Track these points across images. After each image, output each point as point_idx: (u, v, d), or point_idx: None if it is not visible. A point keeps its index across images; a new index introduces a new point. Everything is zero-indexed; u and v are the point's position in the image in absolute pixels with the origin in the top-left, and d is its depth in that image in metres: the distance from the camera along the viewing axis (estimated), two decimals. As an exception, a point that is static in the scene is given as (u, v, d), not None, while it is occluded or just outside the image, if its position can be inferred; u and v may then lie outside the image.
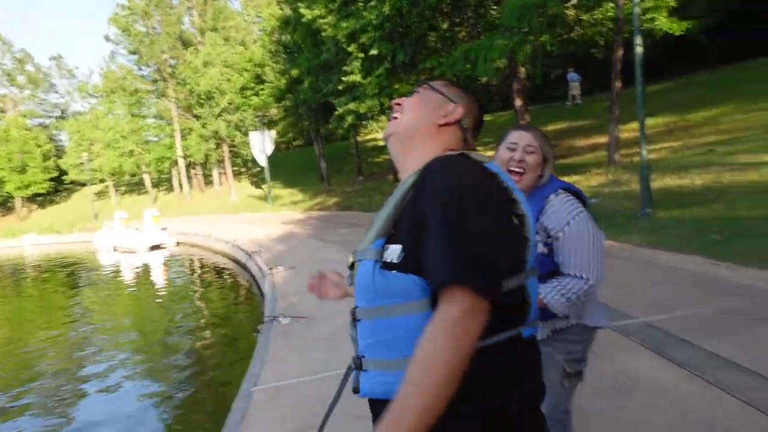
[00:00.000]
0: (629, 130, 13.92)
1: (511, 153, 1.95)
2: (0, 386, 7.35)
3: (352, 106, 16.80)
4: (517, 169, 1.92)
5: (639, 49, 8.26)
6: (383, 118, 24.74)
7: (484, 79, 20.58)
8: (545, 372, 1.71)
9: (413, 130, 1.25)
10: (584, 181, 12.50)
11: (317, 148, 29.13)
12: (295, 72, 22.19)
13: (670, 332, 4.15)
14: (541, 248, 1.89)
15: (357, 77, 15.55)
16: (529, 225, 1.12)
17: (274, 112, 30.53)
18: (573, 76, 24.10)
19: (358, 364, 1.14)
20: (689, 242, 6.94)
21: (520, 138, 1.97)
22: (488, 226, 1.00)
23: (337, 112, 18.63)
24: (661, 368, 3.59)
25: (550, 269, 1.89)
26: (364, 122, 22.75)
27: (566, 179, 9.65)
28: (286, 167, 36.59)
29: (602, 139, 13.86)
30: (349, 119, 17.87)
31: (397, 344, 1.04)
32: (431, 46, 15.54)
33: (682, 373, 3.46)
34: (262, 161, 27.05)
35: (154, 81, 38.32)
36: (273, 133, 28.41)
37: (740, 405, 2.96)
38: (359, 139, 42.62)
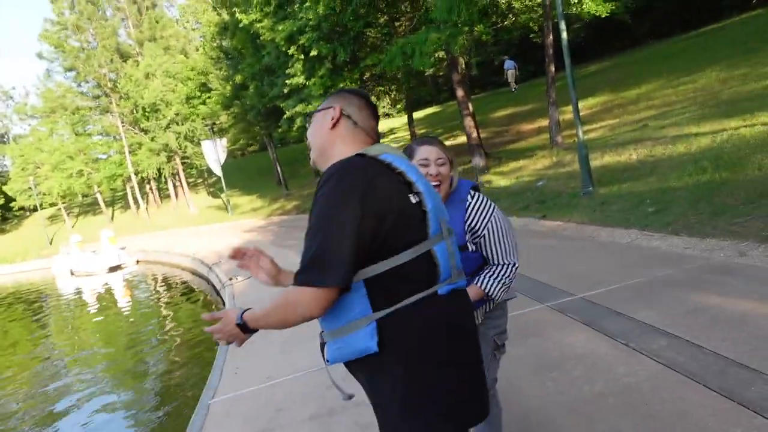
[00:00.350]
0: (570, 112, 14.40)
1: (426, 168, 2.07)
2: None
3: (299, 108, 16.76)
4: (434, 183, 2.06)
5: (564, 34, 8.57)
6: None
7: (429, 71, 20.81)
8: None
9: (321, 148, 1.49)
10: (531, 165, 12.90)
11: (271, 152, 28.89)
12: (239, 78, 21.94)
13: (604, 305, 4.40)
14: (470, 247, 2.08)
15: (300, 79, 15.51)
16: (427, 199, 1.33)
17: (224, 119, 30.07)
18: (508, 64, 24.66)
19: (321, 340, 1.43)
20: (627, 216, 7.29)
21: (428, 153, 2.09)
22: (339, 230, 1.23)
23: (285, 116, 18.53)
24: (592, 340, 3.82)
25: (480, 263, 2.11)
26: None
27: (514, 164, 10.06)
28: (243, 174, 36.15)
29: (546, 123, 14.31)
30: (298, 121, 17.85)
31: (336, 317, 1.31)
32: (372, 42, 15.64)
33: (610, 343, 3.70)
34: (217, 170, 26.67)
35: (96, 97, 37.08)
36: (225, 141, 28.05)
37: (659, 367, 3.20)
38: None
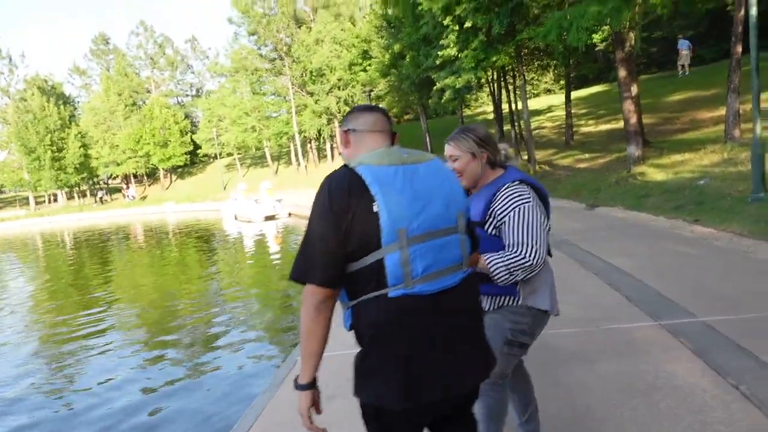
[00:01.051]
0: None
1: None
2: (148, 326, 8.71)
3: (449, 81, 16.57)
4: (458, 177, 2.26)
5: (753, 9, 7.26)
6: (486, 90, 24.03)
7: (600, 46, 19.16)
8: (491, 336, 2.09)
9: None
10: (696, 159, 11.35)
11: (423, 122, 29.21)
12: (397, 47, 22.30)
13: (728, 336, 3.80)
14: (491, 230, 2.17)
15: (453, 51, 15.25)
16: (383, 211, 1.44)
17: (381, 87, 31.04)
18: (683, 44, 21.73)
19: None
20: (802, 233, 6.16)
21: (446, 151, 2.30)
22: (318, 236, 1.48)
23: (435, 87, 18.48)
24: (696, 373, 3.33)
25: (499, 249, 2.16)
26: (468, 95, 22.21)
27: (676, 157, 9.15)
28: (395, 141, 37.05)
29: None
30: (448, 94, 17.66)
31: (341, 297, 1.58)
32: (532, 15, 14.73)
33: (717, 381, 3.20)
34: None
35: (272, 60, 40.53)
36: (380, 107, 28.92)
37: (767, 422, 2.71)
38: (469, 112, 41.89)
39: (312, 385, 1.59)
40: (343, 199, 1.46)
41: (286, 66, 38.84)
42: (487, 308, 2.24)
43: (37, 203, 58.75)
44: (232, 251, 17.32)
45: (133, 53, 57.64)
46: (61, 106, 53.76)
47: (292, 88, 39.07)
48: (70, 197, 58.98)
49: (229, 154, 51.45)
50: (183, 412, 5.28)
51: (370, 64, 29.00)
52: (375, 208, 1.44)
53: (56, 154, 51.57)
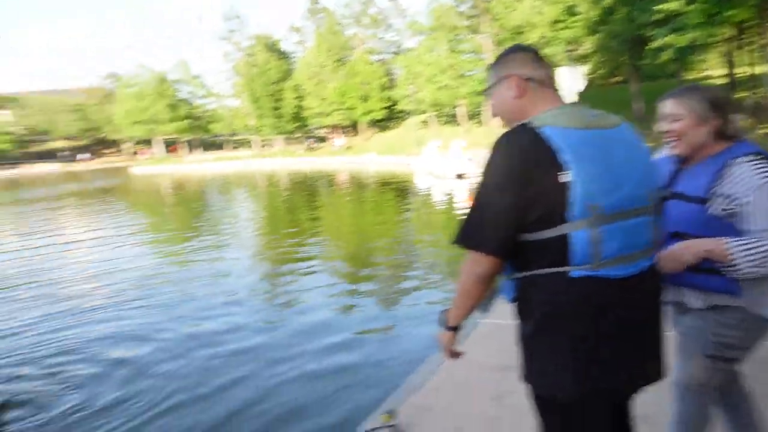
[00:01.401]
0: None
1: (662, 124, 1.98)
2: (346, 265, 10.10)
3: (669, 39, 14.56)
4: (668, 140, 1.96)
5: None
6: (715, 50, 20.70)
7: None
8: (691, 341, 1.97)
9: (503, 116, 1.56)
10: None
11: (634, 85, 26.42)
12: (608, 1, 20.22)
13: None
14: (716, 211, 1.82)
15: (675, 4, 13.27)
16: (577, 183, 1.29)
17: (586, 46, 28.61)
18: None
19: None
20: None
21: (662, 107, 1.97)
22: (493, 202, 1.36)
23: (648, 46, 16.45)
24: None
25: (723, 233, 1.82)
26: (692, 56, 19.33)
27: None
28: (599, 105, 34.16)
29: None
30: (665, 54, 15.59)
31: (506, 269, 1.49)
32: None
33: None
34: (571, 98, 25.99)
35: (470, 17, 39.96)
36: (584, 68, 26.82)
37: None
38: (691, 76, 36.55)
39: (457, 329, 1.58)
40: (526, 164, 1.30)
41: (484, 23, 37.96)
42: (695, 306, 1.92)
43: (263, 146, 68.38)
44: (427, 205, 18.11)
45: (340, 12, 61.77)
46: (281, 61, 60.72)
47: (490, 46, 38.20)
48: (287, 143, 67.15)
49: (424, 111, 52.88)
50: (369, 363, 5.51)
51: (575, 21, 26.87)
52: (563, 179, 1.28)
53: (275, 104, 58.97)
